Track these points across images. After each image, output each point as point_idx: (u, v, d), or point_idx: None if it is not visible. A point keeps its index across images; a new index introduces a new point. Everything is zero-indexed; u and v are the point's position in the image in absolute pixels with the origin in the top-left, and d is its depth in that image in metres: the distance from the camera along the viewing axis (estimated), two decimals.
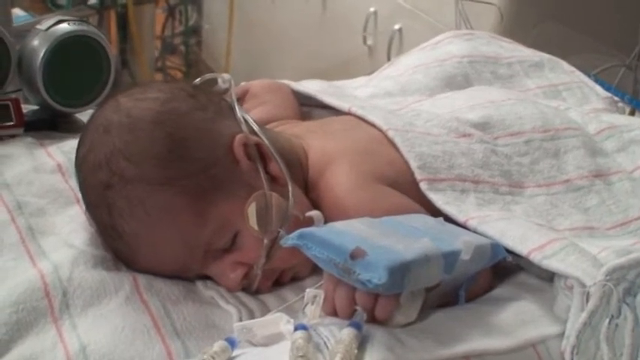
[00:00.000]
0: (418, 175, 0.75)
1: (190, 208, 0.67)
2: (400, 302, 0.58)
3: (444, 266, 0.59)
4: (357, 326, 0.55)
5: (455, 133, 0.84)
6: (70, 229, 0.74)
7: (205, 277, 0.72)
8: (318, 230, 0.60)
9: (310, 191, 0.75)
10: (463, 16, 1.64)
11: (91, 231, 0.73)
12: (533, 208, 0.79)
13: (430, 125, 0.84)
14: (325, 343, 0.55)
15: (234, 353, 0.59)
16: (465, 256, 0.60)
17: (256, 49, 2.66)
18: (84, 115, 0.99)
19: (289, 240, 0.59)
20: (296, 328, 0.56)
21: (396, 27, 1.90)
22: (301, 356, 0.52)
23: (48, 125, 0.94)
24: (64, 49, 0.91)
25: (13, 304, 0.63)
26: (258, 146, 0.72)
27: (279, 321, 0.61)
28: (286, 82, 0.97)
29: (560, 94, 1.10)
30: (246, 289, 0.71)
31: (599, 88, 1.14)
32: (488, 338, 0.59)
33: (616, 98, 1.17)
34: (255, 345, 0.62)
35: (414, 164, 0.76)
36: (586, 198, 0.83)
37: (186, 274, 0.71)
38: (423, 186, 0.75)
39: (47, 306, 0.64)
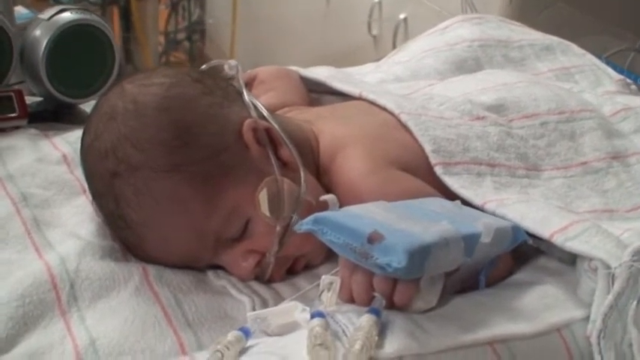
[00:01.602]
0: (433, 159, 0.73)
1: (199, 195, 0.64)
2: (420, 287, 0.56)
3: (464, 249, 0.57)
4: (376, 312, 0.53)
5: (468, 116, 0.81)
6: (76, 220, 0.72)
7: (216, 267, 0.70)
8: (333, 214, 0.58)
9: (322, 177, 0.73)
10: (469, 2, 1.61)
11: (98, 221, 0.72)
12: (551, 191, 0.77)
13: (443, 108, 0.82)
14: (344, 330, 0.53)
15: (249, 343, 0.57)
16: (486, 239, 0.58)
17: (261, 42, 2.64)
18: (88, 106, 0.97)
19: (303, 225, 0.57)
20: (312, 316, 0.54)
21: (401, 16, 1.88)
22: (319, 344, 0.50)
23: (52, 116, 0.93)
24: (67, 38, 0.89)
25: (19, 298, 0.61)
26: (268, 131, 0.70)
27: (294, 309, 0.59)
28: (294, 68, 0.95)
29: (573, 76, 1.08)
30: (258, 278, 0.69)
31: (611, 71, 1.12)
32: (511, 323, 0.57)
33: (629, 81, 1.14)
34: (269, 335, 0.60)
35: (428, 148, 0.74)
36: (604, 180, 0.80)
37: (197, 264, 0.69)
38: (438, 170, 0.73)
39: (54, 299, 0.62)
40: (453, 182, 0.71)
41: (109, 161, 0.65)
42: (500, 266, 0.65)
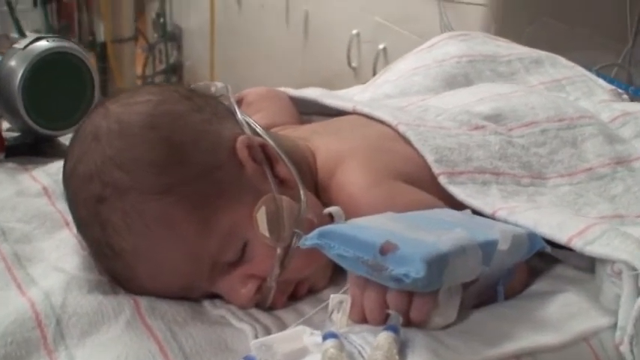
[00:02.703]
0: (436, 169, 0.70)
1: (193, 218, 0.60)
2: (438, 301, 0.51)
3: (482, 258, 0.53)
4: (394, 330, 0.49)
5: (467, 125, 0.79)
6: (59, 254, 0.67)
7: (212, 297, 0.65)
8: (339, 227, 0.54)
9: (321, 194, 0.69)
10: (448, 28, 1.61)
11: (84, 255, 0.67)
12: (559, 199, 0.74)
13: (440, 119, 0.79)
14: (360, 352, 0.49)
15: None
16: (503, 246, 0.54)
17: (239, 80, 2.62)
18: (68, 139, 0.93)
19: (308, 240, 0.53)
20: (325, 338, 0.49)
21: (381, 46, 1.87)
22: None
23: (31, 150, 0.88)
24: (44, 67, 0.85)
25: (0, 337, 0.56)
26: (263, 148, 0.66)
27: (301, 334, 0.54)
28: (283, 89, 0.92)
29: (564, 88, 1.06)
30: (259, 306, 0.64)
31: (602, 81, 1.10)
32: (537, 335, 0.53)
33: (620, 90, 1.13)
34: None
35: (430, 158, 0.70)
36: (610, 186, 0.78)
37: (192, 294, 0.64)
38: (442, 180, 0.69)
39: (39, 337, 0.57)
40: (459, 192, 0.68)
41: (94, 185, 0.61)
42: (516, 277, 0.61)
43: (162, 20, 3.14)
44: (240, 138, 0.65)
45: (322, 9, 2.18)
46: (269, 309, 0.64)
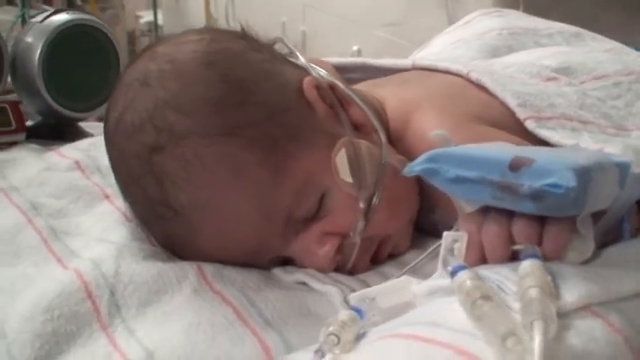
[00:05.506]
0: (521, 114, 0.62)
1: (263, 163, 0.52)
2: (577, 229, 0.43)
3: (618, 178, 0.45)
4: (536, 258, 0.40)
5: (538, 77, 0.72)
6: (102, 227, 0.59)
7: (282, 264, 0.57)
8: (452, 149, 0.45)
9: (396, 144, 0.61)
10: None
11: (131, 226, 0.58)
12: None
13: (510, 71, 0.72)
14: (499, 286, 0.40)
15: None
16: (637, 169, 0.46)
17: None
18: (90, 127, 0.84)
19: (416, 166, 0.45)
20: (453, 272, 0.40)
21: None
22: (482, 297, 0.37)
23: (53, 133, 0.79)
24: (64, 41, 0.78)
25: (45, 311, 0.47)
26: (333, 89, 0.58)
27: (407, 285, 0.46)
28: (326, 59, 0.84)
29: None
30: (339, 269, 0.55)
31: None
32: None
33: None
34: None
35: (513, 102, 0.63)
36: None
37: (261, 257, 0.55)
38: (530, 124, 0.61)
39: (91, 310, 0.48)
40: (551, 135, 0.60)
41: (147, 134, 0.52)
42: (634, 216, 0.53)
43: None
44: (307, 78, 0.57)
45: (320, 28, 2.13)
46: (349, 273, 0.56)
